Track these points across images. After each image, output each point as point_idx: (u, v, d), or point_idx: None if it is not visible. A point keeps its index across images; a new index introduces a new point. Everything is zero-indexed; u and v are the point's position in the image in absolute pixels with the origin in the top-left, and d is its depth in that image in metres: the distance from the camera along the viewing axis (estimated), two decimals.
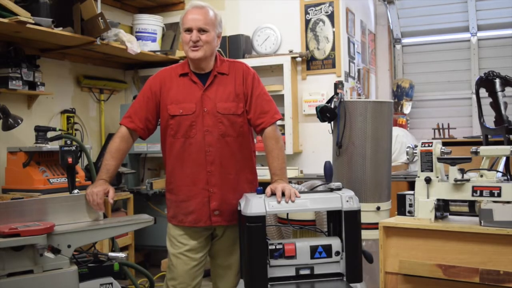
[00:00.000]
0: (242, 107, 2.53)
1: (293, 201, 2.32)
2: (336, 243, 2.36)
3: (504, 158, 2.40)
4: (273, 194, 2.36)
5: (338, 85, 3.10)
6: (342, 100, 2.92)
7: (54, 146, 3.69)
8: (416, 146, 2.30)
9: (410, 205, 2.27)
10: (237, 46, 4.73)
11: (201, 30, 2.45)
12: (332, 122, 3.00)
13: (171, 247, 2.58)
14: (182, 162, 2.50)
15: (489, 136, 2.72)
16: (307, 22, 4.67)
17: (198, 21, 2.44)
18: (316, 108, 3.01)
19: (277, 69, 4.69)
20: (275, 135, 2.52)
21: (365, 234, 2.61)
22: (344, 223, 2.33)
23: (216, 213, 2.50)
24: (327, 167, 2.85)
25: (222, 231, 2.57)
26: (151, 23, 4.82)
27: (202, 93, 2.50)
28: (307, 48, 4.66)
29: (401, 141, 4.86)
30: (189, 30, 2.45)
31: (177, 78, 2.55)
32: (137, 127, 2.56)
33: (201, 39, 2.44)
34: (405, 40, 5.91)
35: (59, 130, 3.71)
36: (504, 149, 2.15)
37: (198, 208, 2.50)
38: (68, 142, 3.12)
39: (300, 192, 2.39)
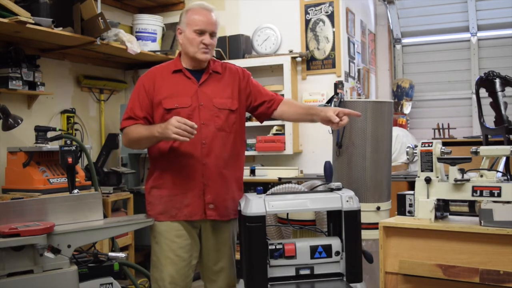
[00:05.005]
0: (236, 104, 2.57)
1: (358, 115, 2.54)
2: (336, 243, 2.36)
3: (504, 158, 2.40)
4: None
5: (338, 85, 3.10)
6: (342, 100, 2.92)
7: (54, 146, 3.69)
8: (416, 146, 2.30)
9: (410, 205, 2.27)
10: (237, 46, 4.73)
11: (212, 35, 2.51)
12: None
13: (157, 245, 2.53)
14: (178, 155, 2.48)
15: (489, 136, 2.72)
16: (307, 22, 4.67)
17: (212, 25, 2.50)
18: None
19: (277, 69, 4.69)
20: None
21: (365, 234, 2.61)
22: (344, 223, 2.33)
23: (211, 206, 2.49)
24: (327, 167, 2.85)
25: (209, 230, 2.55)
26: (151, 23, 4.82)
27: (197, 88, 2.52)
28: (307, 48, 4.66)
29: (401, 141, 4.86)
30: (202, 33, 2.48)
31: (170, 74, 2.56)
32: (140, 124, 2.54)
33: (211, 43, 2.51)
34: (405, 40, 5.91)
35: (59, 130, 3.72)
36: (504, 149, 2.14)
37: (194, 201, 2.48)
38: (68, 142, 3.12)
39: (300, 192, 2.39)
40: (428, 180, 2.20)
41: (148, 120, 2.54)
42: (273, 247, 2.31)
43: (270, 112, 2.67)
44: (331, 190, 2.45)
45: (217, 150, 2.50)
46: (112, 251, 3.49)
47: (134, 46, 4.36)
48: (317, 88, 4.60)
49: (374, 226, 2.60)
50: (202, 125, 2.48)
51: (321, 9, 4.62)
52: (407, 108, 5.60)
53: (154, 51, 4.74)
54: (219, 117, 2.51)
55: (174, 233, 2.51)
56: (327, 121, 2.49)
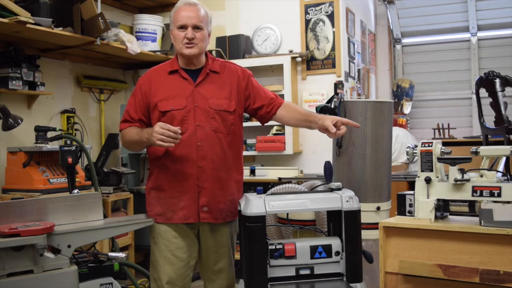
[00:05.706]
0: (234, 105, 2.54)
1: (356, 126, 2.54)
2: (336, 243, 2.36)
3: (504, 158, 2.40)
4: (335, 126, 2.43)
5: (338, 85, 3.10)
6: (342, 100, 2.92)
7: (54, 146, 3.69)
8: (416, 146, 2.30)
9: (410, 205, 2.27)
10: (237, 46, 4.73)
11: (196, 28, 2.47)
12: None
13: (155, 245, 2.54)
14: (174, 157, 2.47)
15: (489, 136, 2.72)
16: (307, 22, 4.67)
17: (193, 18, 2.47)
18: (316, 108, 3.01)
19: (277, 69, 4.69)
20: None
21: (365, 234, 2.61)
22: (344, 223, 2.33)
23: (205, 209, 2.48)
24: (327, 167, 2.85)
25: (207, 231, 2.55)
26: (151, 23, 4.82)
27: (193, 88, 2.51)
28: (307, 48, 4.66)
29: (401, 141, 4.86)
30: (183, 27, 2.47)
31: (166, 76, 2.55)
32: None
33: (196, 37, 2.46)
34: (405, 40, 5.92)
35: (59, 130, 3.72)
36: (504, 149, 2.14)
37: (189, 204, 2.48)
38: (68, 142, 3.12)
39: (300, 192, 2.38)
40: (428, 180, 2.20)
41: (144, 122, 2.55)
42: (273, 247, 2.31)
43: (269, 117, 2.65)
44: (331, 190, 2.45)
45: (213, 152, 2.48)
46: (112, 251, 3.49)
47: (134, 46, 4.36)
48: (317, 88, 4.60)
49: (374, 226, 2.60)
50: (197, 127, 2.46)
51: (321, 9, 4.62)
52: (407, 108, 5.60)
53: (154, 51, 4.74)
54: (215, 118, 2.49)
55: (172, 234, 2.51)
56: (324, 130, 2.48)
